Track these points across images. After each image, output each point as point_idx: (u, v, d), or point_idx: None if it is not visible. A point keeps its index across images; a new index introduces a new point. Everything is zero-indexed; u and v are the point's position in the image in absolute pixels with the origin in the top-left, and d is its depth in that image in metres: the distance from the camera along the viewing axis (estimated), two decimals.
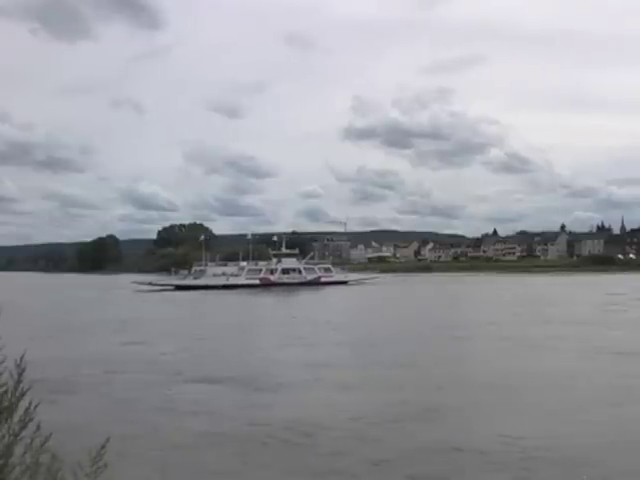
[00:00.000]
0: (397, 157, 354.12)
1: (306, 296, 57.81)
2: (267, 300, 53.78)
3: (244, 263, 73.64)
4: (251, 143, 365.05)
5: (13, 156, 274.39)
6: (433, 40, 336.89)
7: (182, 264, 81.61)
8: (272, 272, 72.78)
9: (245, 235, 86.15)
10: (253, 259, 75.73)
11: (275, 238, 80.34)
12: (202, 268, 71.98)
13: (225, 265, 73.72)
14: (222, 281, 67.92)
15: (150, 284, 66.69)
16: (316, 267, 76.42)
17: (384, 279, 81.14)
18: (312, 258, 79.27)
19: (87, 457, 2.47)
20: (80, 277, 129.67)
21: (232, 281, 68.30)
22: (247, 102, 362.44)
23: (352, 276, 78.72)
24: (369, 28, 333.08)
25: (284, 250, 76.54)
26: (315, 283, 72.25)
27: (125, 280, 77.35)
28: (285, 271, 73.27)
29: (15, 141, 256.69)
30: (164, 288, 65.88)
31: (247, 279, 69.90)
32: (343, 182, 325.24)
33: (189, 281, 68.57)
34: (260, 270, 72.42)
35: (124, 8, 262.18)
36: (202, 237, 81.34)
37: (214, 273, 70.20)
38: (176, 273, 73.23)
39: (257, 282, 69.92)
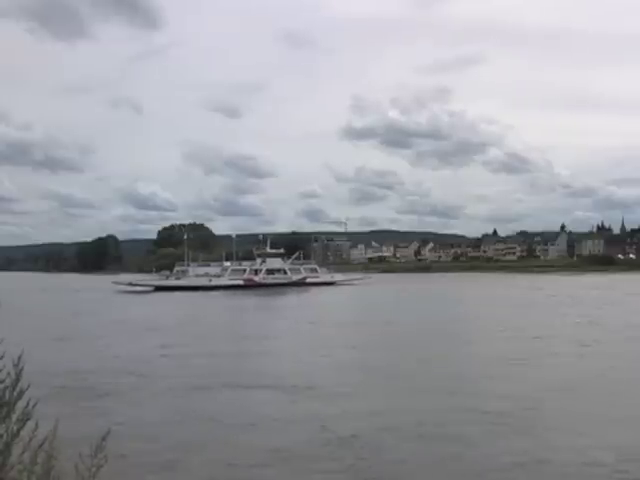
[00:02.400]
0: (396, 157, 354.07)
1: (292, 298, 56.00)
2: (251, 302, 51.95)
3: (227, 263, 72.39)
4: (250, 143, 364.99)
5: (12, 156, 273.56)
6: (432, 39, 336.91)
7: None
8: (256, 272, 71.40)
9: (245, 235, 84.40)
10: (238, 259, 74.58)
11: (260, 237, 78.97)
12: (184, 268, 70.72)
13: (208, 265, 72.48)
14: (204, 282, 66.71)
15: (130, 284, 65.56)
16: (302, 267, 74.91)
17: (372, 280, 79.72)
18: (298, 258, 77.54)
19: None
20: (75, 277, 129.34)
21: (215, 282, 67.00)
22: (246, 102, 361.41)
23: (339, 277, 77.22)
24: (368, 27, 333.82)
25: (269, 250, 74.95)
26: (301, 284, 70.80)
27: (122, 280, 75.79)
28: (270, 271, 71.82)
29: (14, 141, 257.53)
30: (144, 289, 64.77)
31: (230, 280, 68.55)
32: (342, 182, 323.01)
33: (170, 282, 67.28)
34: (244, 270, 71.01)
35: (122, 8, 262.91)
36: (185, 236, 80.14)
37: (196, 273, 69.00)
38: (158, 272, 72.03)
39: (241, 283, 68.62)
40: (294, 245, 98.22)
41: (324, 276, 74.94)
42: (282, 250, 76.44)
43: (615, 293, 51.47)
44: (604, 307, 37.26)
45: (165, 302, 50.30)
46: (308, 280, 72.30)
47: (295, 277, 72.47)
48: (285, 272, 72.66)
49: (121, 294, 60.06)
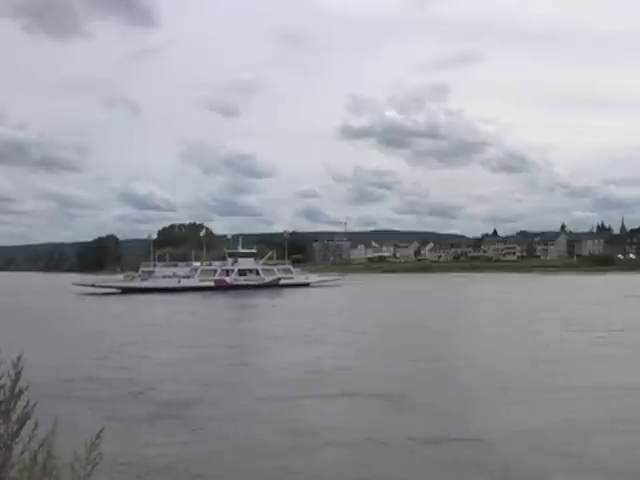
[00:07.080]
0: (394, 156, 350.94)
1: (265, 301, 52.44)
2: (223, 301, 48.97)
3: (197, 263, 70.24)
4: (248, 142, 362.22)
5: (10, 156, 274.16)
6: (430, 37, 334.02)
7: None
8: (228, 273, 69.23)
9: (245, 235, 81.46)
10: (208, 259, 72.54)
11: (230, 236, 76.80)
12: (150, 269, 68.50)
13: (175, 265, 70.44)
14: (174, 283, 64.70)
15: (93, 286, 63.70)
16: (275, 268, 72.55)
17: (349, 280, 77.38)
18: (270, 258, 74.96)
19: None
20: (72, 277, 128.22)
21: (185, 283, 64.89)
22: (243, 101, 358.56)
23: (313, 277, 74.88)
24: (365, 25, 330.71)
25: (240, 249, 72.71)
26: (274, 285, 68.63)
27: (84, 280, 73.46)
28: (242, 272, 69.45)
29: (11, 141, 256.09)
30: (108, 291, 62.79)
31: (201, 281, 66.44)
32: (340, 182, 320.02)
33: (136, 283, 65.03)
34: (215, 271, 68.83)
35: (118, 6, 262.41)
36: (150, 235, 78.41)
37: (163, 274, 66.81)
38: (122, 272, 70.03)
39: (212, 284, 66.52)
40: (296, 246, 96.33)
41: (298, 277, 72.54)
42: (254, 249, 74.19)
43: None
44: None
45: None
46: (282, 281, 70.02)
47: (268, 278, 70.05)
48: (258, 273, 70.33)
49: (85, 297, 56.41)
